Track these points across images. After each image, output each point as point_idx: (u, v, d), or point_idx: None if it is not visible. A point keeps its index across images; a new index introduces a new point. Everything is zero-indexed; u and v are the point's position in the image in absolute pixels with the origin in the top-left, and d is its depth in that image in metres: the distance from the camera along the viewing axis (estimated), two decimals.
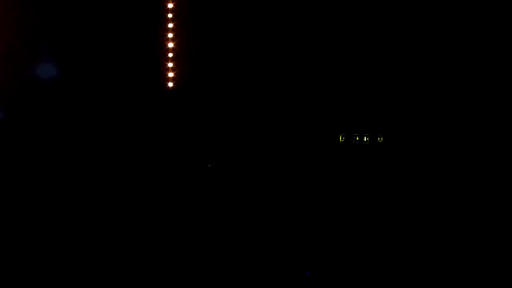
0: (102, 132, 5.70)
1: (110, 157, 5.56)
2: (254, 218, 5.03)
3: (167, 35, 5.89)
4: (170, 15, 5.88)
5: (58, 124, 5.72)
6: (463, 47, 5.47)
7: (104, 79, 5.80)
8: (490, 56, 5.45)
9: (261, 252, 4.62)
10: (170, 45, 5.90)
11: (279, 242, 4.77)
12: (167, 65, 5.89)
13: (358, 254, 4.64)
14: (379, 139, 5.41)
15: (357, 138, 5.45)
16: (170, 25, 5.89)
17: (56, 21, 5.76)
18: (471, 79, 5.43)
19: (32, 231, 4.70)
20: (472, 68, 5.42)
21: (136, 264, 4.41)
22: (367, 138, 5.44)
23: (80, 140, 5.66)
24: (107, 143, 5.68)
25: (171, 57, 5.90)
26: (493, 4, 5.42)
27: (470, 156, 5.24)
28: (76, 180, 5.33)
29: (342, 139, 5.48)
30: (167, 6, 5.87)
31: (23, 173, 5.35)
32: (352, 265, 4.51)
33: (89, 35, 5.75)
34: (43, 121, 5.72)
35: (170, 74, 5.90)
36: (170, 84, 5.92)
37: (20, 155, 5.54)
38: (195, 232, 4.80)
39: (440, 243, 4.69)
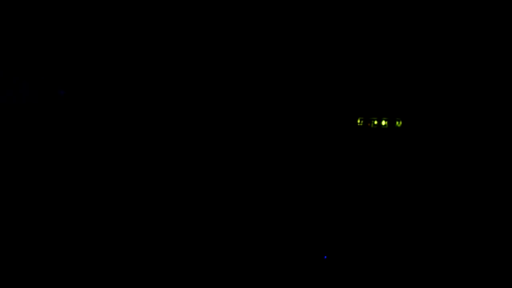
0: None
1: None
2: (272, 201, 5.07)
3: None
4: None
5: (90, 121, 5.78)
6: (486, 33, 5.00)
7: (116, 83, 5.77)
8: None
9: (279, 237, 4.73)
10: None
11: (296, 226, 4.83)
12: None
13: (374, 240, 4.65)
14: (397, 123, 5.17)
15: (375, 122, 5.22)
16: None
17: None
18: (496, 64, 5.01)
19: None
20: (496, 54, 4.98)
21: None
22: (386, 122, 5.20)
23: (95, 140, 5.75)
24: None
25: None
26: None
27: (492, 145, 4.95)
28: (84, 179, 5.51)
29: (360, 122, 5.27)
30: None
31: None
32: (367, 252, 4.55)
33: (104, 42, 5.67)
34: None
35: None
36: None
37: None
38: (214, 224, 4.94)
39: (460, 233, 4.61)
